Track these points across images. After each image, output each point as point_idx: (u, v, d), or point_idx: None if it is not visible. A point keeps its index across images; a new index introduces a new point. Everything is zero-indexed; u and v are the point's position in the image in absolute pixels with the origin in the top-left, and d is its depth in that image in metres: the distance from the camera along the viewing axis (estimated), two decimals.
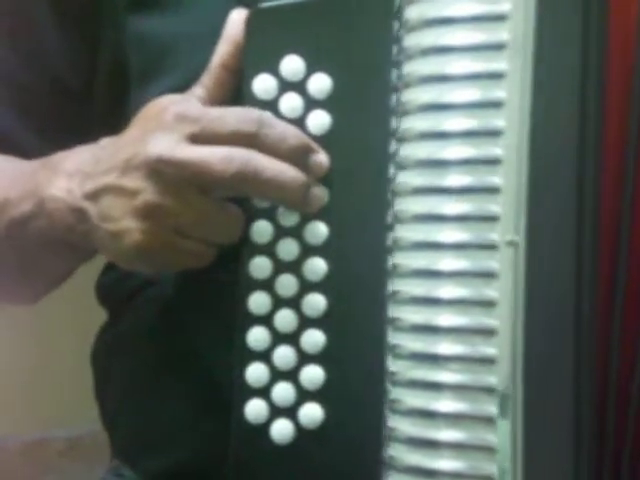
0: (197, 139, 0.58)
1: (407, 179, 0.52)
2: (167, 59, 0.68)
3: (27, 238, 0.67)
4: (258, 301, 0.60)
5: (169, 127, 0.58)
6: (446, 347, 0.51)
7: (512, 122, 0.50)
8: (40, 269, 0.75)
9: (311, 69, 0.59)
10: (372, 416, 0.57)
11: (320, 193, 0.58)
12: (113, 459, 0.76)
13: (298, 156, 0.58)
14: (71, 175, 0.63)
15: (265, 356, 0.59)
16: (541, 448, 0.49)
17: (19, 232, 0.67)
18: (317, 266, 0.59)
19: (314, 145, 0.59)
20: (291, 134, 0.58)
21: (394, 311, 0.53)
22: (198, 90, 0.62)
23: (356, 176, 0.59)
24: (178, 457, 0.70)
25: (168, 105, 0.59)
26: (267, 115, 0.58)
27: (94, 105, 0.74)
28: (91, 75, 0.73)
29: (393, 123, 0.57)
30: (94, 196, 0.60)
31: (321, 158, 0.59)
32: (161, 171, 0.57)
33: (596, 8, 0.49)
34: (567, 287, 0.49)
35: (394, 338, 0.53)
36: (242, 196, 0.59)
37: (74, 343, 1.06)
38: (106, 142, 0.63)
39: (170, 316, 0.69)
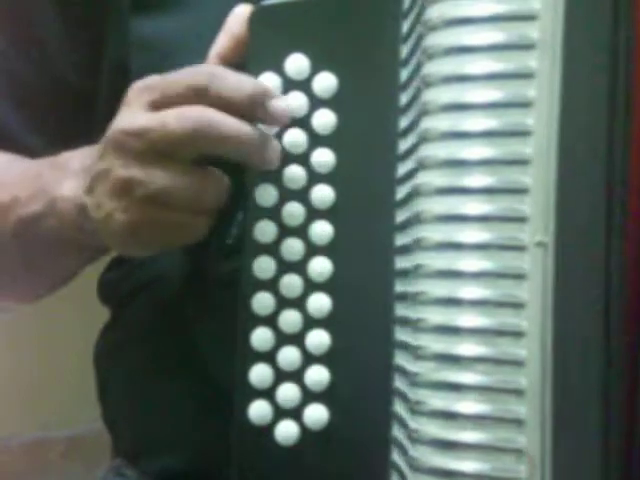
0: (157, 105, 0.57)
1: (430, 179, 0.51)
2: (169, 61, 0.65)
3: (36, 237, 0.67)
4: (262, 301, 0.59)
5: (131, 101, 0.57)
6: (473, 349, 0.50)
7: (541, 122, 0.49)
8: (45, 269, 0.74)
9: (316, 68, 0.58)
10: (378, 417, 0.57)
11: (277, 147, 0.57)
12: (115, 458, 0.76)
13: (256, 103, 0.57)
14: (77, 174, 0.62)
15: (269, 357, 0.58)
16: (570, 449, 0.49)
17: (27, 231, 0.67)
18: (322, 266, 0.58)
19: (272, 92, 0.57)
20: (246, 82, 0.57)
21: (417, 312, 0.52)
22: None
23: (362, 176, 0.58)
24: (181, 458, 0.69)
25: (135, 83, 0.59)
26: (218, 68, 0.57)
27: (95, 104, 0.73)
28: (93, 74, 0.73)
29: (402, 123, 0.57)
30: (90, 189, 0.60)
31: (280, 103, 0.57)
32: (124, 144, 0.57)
33: (625, 6, 0.49)
34: (596, 287, 0.49)
35: (417, 339, 0.52)
36: (207, 157, 0.58)
37: (76, 343, 1.05)
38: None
39: (173, 316, 0.69)
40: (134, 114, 0.57)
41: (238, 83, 0.56)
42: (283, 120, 0.57)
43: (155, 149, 0.56)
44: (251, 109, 0.56)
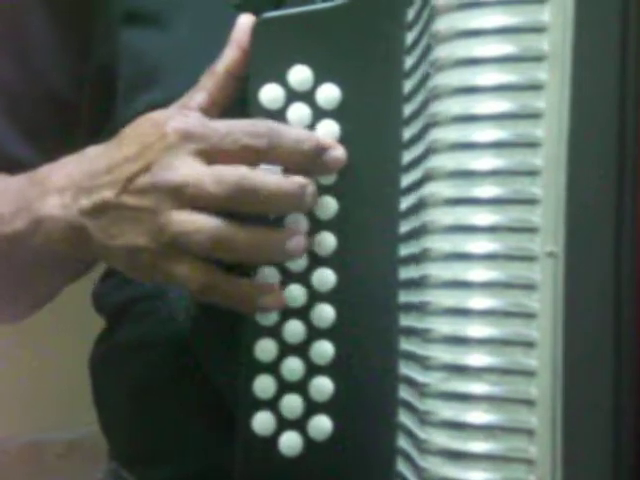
0: (205, 156, 0.54)
1: (439, 189, 0.50)
2: (158, 73, 0.65)
3: (20, 255, 0.64)
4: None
5: (174, 146, 0.55)
6: (482, 359, 0.48)
7: (551, 133, 0.48)
8: (30, 286, 0.72)
9: (319, 79, 0.57)
10: (383, 428, 0.55)
11: (314, 193, 0.55)
12: (111, 461, 0.74)
13: (313, 159, 0.55)
14: (62, 190, 0.59)
15: (273, 368, 0.57)
16: (581, 459, 0.47)
17: (11, 249, 0.64)
18: (325, 277, 0.56)
19: (327, 142, 0.56)
20: (303, 139, 0.55)
21: (426, 322, 0.51)
22: (199, 95, 0.58)
23: (365, 186, 0.56)
24: (182, 468, 0.67)
25: (167, 120, 0.56)
26: (276, 126, 0.55)
27: (80, 113, 0.71)
28: (79, 83, 0.71)
29: (406, 134, 0.55)
30: (92, 212, 0.57)
31: (337, 153, 0.56)
32: (163, 194, 0.54)
33: (634, 17, 0.48)
34: (607, 297, 0.47)
35: (426, 350, 0.51)
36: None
37: (73, 345, 1.04)
38: (95, 153, 0.59)
39: (171, 327, 0.67)
40: (178, 163, 0.54)
41: (296, 142, 0.55)
42: (338, 168, 0.56)
43: (188, 204, 0.54)
44: (307, 167, 0.55)
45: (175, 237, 0.54)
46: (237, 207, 0.54)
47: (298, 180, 0.55)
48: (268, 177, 0.54)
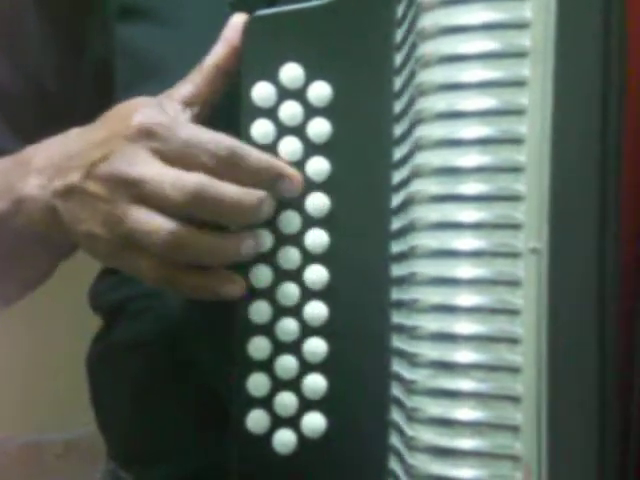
0: (163, 157, 0.55)
1: (425, 186, 0.51)
2: (154, 69, 0.66)
3: (2, 236, 0.65)
4: (259, 310, 0.57)
5: (133, 139, 0.55)
6: (468, 355, 0.49)
7: (534, 129, 0.48)
8: (16, 268, 0.72)
9: (311, 77, 0.57)
10: (375, 425, 0.56)
11: (271, 204, 0.56)
12: (109, 461, 0.74)
13: (269, 184, 0.56)
14: (42, 170, 0.60)
15: (266, 366, 0.57)
16: (566, 455, 0.48)
17: None
18: (318, 275, 0.57)
19: (287, 170, 0.56)
20: (262, 167, 0.55)
21: (413, 320, 0.51)
22: (185, 87, 0.59)
23: (357, 183, 0.57)
24: (180, 468, 0.68)
25: (135, 113, 0.56)
26: (239, 149, 0.55)
27: (76, 108, 0.72)
28: (73, 79, 0.71)
29: (397, 130, 0.56)
30: (62, 194, 0.58)
31: (294, 183, 0.56)
32: (117, 184, 0.55)
33: (616, 12, 0.48)
34: (590, 293, 0.48)
35: (413, 347, 0.51)
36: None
37: (71, 345, 1.04)
38: (77, 133, 0.60)
39: (167, 326, 0.67)
40: (136, 157, 0.55)
41: (254, 171, 0.55)
42: (293, 195, 0.57)
43: (145, 201, 0.55)
44: (267, 188, 0.56)
45: (130, 232, 0.55)
46: (193, 214, 0.55)
47: (256, 193, 0.55)
48: (227, 188, 0.54)
